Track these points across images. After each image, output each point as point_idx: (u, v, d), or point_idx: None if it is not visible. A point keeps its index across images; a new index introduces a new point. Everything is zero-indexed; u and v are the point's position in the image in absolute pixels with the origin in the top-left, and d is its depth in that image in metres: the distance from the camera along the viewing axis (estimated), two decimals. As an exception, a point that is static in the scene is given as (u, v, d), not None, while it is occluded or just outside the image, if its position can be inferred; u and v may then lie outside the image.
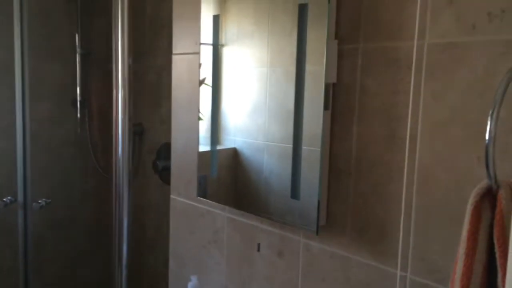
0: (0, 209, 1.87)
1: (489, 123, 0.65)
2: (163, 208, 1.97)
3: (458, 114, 0.87)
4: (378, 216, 0.99)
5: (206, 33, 1.31)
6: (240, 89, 1.21)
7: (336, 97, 1.05)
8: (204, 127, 1.34)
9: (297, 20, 1.06)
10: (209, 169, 1.33)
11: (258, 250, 1.24)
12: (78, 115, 2.33)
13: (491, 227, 0.65)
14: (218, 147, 1.32)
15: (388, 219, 0.97)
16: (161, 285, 1.64)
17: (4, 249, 2.16)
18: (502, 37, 0.82)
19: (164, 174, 2.00)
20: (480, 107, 0.84)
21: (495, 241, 0.64)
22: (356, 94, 1.02)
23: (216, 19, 1.28)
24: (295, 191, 1.09)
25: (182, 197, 1.48)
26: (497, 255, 0.63)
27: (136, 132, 2.16)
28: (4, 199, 1.86)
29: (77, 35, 2.26)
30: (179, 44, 1.46)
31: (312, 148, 1.04)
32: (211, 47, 1.31)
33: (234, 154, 1.25)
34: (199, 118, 1.37)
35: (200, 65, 1.34)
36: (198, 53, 1.35)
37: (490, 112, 0.66)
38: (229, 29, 1.24)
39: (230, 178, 1.29)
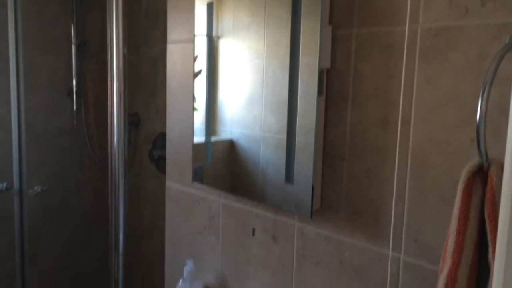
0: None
1: (480, 101, 0.67)
2: (159, 197, 1.98)
3: (451, 97, 0.88)
4: (371, 200, 1.00)
5: (202, 23, 1.32)
6: (237, 80, 1.22)
7: (330, 82, 1.06)
8: (200, 118, 1.35)
9: (291, 8, 1.07)
10: (204, 159, 1.34)
11: (253, 234, 1.25)
12: (74, 105, 2.33)
13: (482, 204, 0.66)
14: (215, 139, 1.33)
15: (381, 202, 0.98)
16: (158, 273, 1.65)
17: (0, 237, 2.17)
18: (494, 20, 0.83)
19: (160, 163, 2.01)
20: (473, 90, 0.85)
21: (486, 218, 0.65)
22: (350, 79, 1.03)
23: (210, 8, 1.28)
24: (289, 176, 1.10)
25: (178, 185, 1.49)
26: (488, 231, 0.64)
27: (132, 122, 2.16)
28: (0, 186, 1.86)
29: (72, 25, 2.25)
30: (173, 32, 1.47)
31: (306, 134, 1.05)
32: (206, 38, 1.31)
33: (231, 145, 1.25)
34: (194, 109, 1.38)
35: (196, 57, 1.34)
36: (192, 41, 1.36)
37: (481, 91, 0.67)
38: (225, 20, 1.24)
39: (226, 168, 1.30)
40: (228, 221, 1.33)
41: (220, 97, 1.28)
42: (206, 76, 1.31)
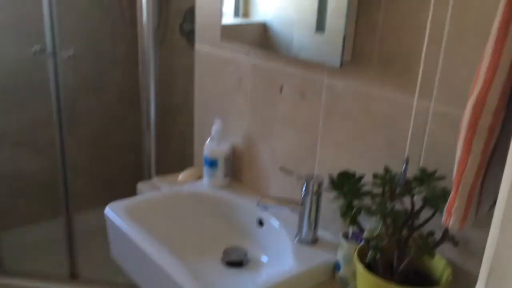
0: (30, 57, 1.91)
1: None
2: (191, 72, 1.98)
3: None
4: (406, 46, 0.95)
5: None
6: None
7: None
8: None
9: None
10: (233, 14, 1.30)
11: (281, 92, 1.23)
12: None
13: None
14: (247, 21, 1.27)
15: (416, 49, 0.93)
16: (188, 147, 1.68)
17: (40, 104, 2.25)
18: None
19: (191, 37, 1.98)
20: None
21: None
22: None
23: None
24: (321, 24, 1.05)
25: (207, 46, 1.47)
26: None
27: (162, -4, 2.11)
28: (33, 48, 1.89)
29: None
30: None
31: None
32: None
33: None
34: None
35: None
36: None
37: None
38: None
39: (256, 27, 1.25)
40: (257, 81, 1.31)
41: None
42: None
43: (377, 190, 0.88)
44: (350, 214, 0.82)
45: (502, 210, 0.51)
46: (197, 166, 1.58)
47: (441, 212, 0.72)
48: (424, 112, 0.94)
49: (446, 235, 0.81)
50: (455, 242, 0.81)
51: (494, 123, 0.64)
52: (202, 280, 1.14)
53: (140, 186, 1.52)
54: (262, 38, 1.23)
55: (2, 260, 2.10)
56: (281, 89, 1.23)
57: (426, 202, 0.82)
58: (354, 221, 0.83)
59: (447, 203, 0.68)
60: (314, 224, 1.15)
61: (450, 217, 0.68)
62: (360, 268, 0.88)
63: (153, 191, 1.46)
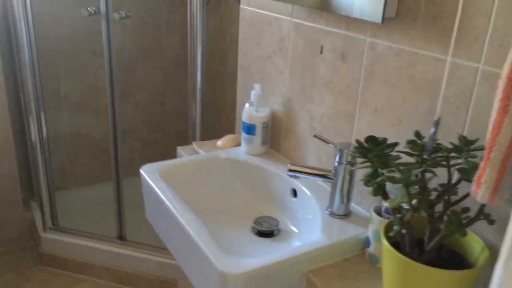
0: (91, 21, 1.94)
1: None
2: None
3: None
4: (455, 2, 0.83)
5: None
6: None
7: None
8: None
9: None
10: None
11: (321, 52, 1.15)
12: None
13: None
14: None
15: (467, 4, 0.82)
16: (232, 114, 1.64)
17: (99, 68, 2.30)
18: None
19: None
20: None
21: None
22: None
23: None
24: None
25: (252, 6, 1.40)
26: None
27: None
28: (88, 9, 1.91)
29: None
30: None
31: None
32: None
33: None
34: None
35: None
36: None
37: None
38: None
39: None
40: (297, 42, 1.23)
41: None
42: None
43: (410, 160, 0.78)
44: (374, 182, 0.74)
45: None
46: (237, 133, 1.54)
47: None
48: (471, 75, 0.82)
49: (482, 212, 0.70)
50: (490, 220, 0.70)
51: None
52: (229, 247, 1.10)
53: (180, 150, 1.50)
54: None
55: (57, 217, 2.20)
56: (321, 49, 1.14)
57: (461, 174, 0.71)
58: (378, 191, 0.74)
59: (477, 172, 0.58)
60: (347, 197, 1.07)
61: (479, 188, 0.58)
62: (385, 243, 0.79)
63: (190, 155, 1.44)
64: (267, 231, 1.19)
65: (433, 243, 0.77)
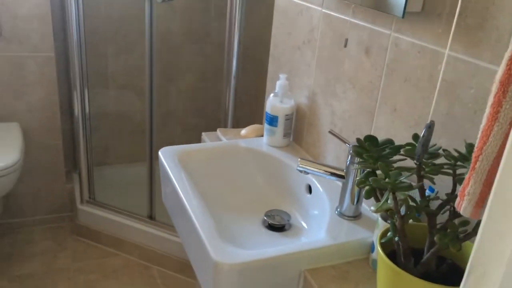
0: (138, 3, 1.97)
1: None
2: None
3: None
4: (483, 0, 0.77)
5: None
6: None
7: None
8: None
9: None
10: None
11: (345, 45, 1.10)
12: None
13: None
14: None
15: (493, 2, 0.75)
16: (261, 100, 1.62)
17: (141, 50, 2.34)
18: None
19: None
20: None
21: None
22: None
23: None
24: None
25: (286, -5, 1.37)
26: None
27: None
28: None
29: None
30: None
31: None
32: None
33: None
34: None
35: None
36: None
37: None
38: None
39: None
40: (326, 34, 1.19)
41: None
42: None
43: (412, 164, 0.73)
44: (366, 183, 0.69)
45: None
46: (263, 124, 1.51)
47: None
48: (492, 78, 0.75)
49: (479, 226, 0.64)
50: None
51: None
52: (236, 237, 1.09)
53: (204, 136, 1.50)
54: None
55: (94, 191, 2.27)
56: (346, 42, 1.10)
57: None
58: (370, 194, 0.70)
59: (463, 183, 0.53)
60: (357, 198, 1.03)
61: (462, 200, 0.53)
62: (378, 249, 0.75)
63: (213, 142, 1.44)
64: (278, 225, 1.17)
65: (429, 255, 0.72)
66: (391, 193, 0.64)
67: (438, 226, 0.73)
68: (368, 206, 1.08)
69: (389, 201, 0.66)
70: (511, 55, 0.48)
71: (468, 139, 0.79)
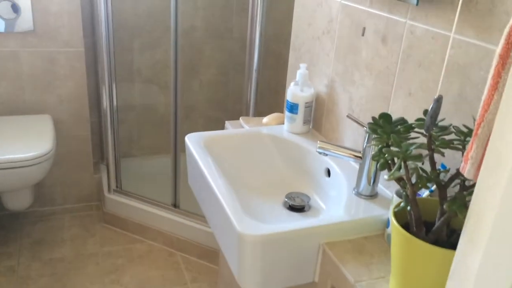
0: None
1: None
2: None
3: None
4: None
5: None
6: None
7: None
8: None
9: None
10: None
11: (363, 34, 1.16)
12: None
13: None
14: None
15: (502, -15, 0.80)
16: (280, 93, 1.68)
17: (166, 45, 2.43)
18: None
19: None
20: None
21: None
22: None
23: None
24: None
25: (306, -11, 1.43)
26: None
27: None
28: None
29: None
30: None
31: None
32: None
33: None
34: None
35: None
36: None
37: None
38: None
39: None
40: (344, 24, 1.25)
41: None
42: None
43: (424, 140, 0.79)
44: (380, 157, 0.75)
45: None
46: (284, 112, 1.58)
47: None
48: (500, 59, 0.81)
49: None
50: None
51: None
52: (259, 217, 1.16)
53: (227, 124, 1.57)
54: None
55: (120, 181, 2.37)
56: (363, 31, 1.16)
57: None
58: (384, 166, 0.76)
59: (467, 148, 0.59)
60: (373, 179, 1.09)
61: (466, 164, 0.58)
62: (392, 219, 0.81)
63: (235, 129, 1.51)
64: (298, 206, 1.23)
65: (439, 224, 0.77)
66: (402, 163, 0.70)
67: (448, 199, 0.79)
68: (384, 187, 1.13)
69: (401, 171, 0.72)
70: (509, 31, 0.53)
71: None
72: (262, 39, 1.80)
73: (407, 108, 1.05)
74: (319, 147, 1.12)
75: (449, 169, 0.88)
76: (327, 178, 1.26)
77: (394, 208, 0.81)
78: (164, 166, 2.36)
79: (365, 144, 1.07)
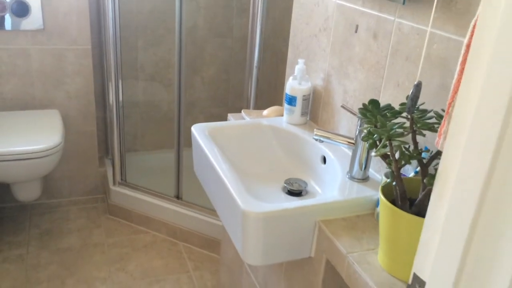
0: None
1: None
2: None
3: None
4: (469, -16, 0.92)
5: None
6: None
7: None
8: None
9: None
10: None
11: (356, 31, 1.26)
12: None
13: None
14: None
15: (478, -14, 0.90)
16: (279, 89, 1.78)
17: (173, 42, 2.52)
18: None
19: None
20: None
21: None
22: None
23: None
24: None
25: (304, -11, 1.53)
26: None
27: None
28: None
29: None
30: None
31: None
32: None
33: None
34: None
35: None
36: None
37: None
38: None
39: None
40: (339, 22, 1.35)
41: None
42: None
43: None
44: (369, 138, 0.85)
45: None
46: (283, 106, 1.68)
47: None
48: (476, 52, 0.91)
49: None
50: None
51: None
52: (261, 199, 1.25)
53: (230, 116, 1.67)
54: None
55: (125, 174, 2.46)
56: (356, 28, 1.26)
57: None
58: (372, 146, 0.86)
59: (440, 126, 0.69)
60: (365, 164, 1.18)
61: (440, 138, 0.68)
62: (380, 195, 0.91)
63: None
64: (296, 191, 1.33)
65: (421, 197, 0.87)
66: (388, 141, 0.80)
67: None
68: (375, 171, 1.23)
69: (387, 149, 0.81)
70: (474, 24, 0.63)
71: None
72: (262, 37, 1.90)
73: (396, 98, 1.15)
74: (316, 134, 1.22)
75: (432, 151, 0.98)
76: (323, 165, 1.35)
77: (382, 185, 0.91)
78: (167, 160, 2.46)
79: (357, 132, 1.17)
